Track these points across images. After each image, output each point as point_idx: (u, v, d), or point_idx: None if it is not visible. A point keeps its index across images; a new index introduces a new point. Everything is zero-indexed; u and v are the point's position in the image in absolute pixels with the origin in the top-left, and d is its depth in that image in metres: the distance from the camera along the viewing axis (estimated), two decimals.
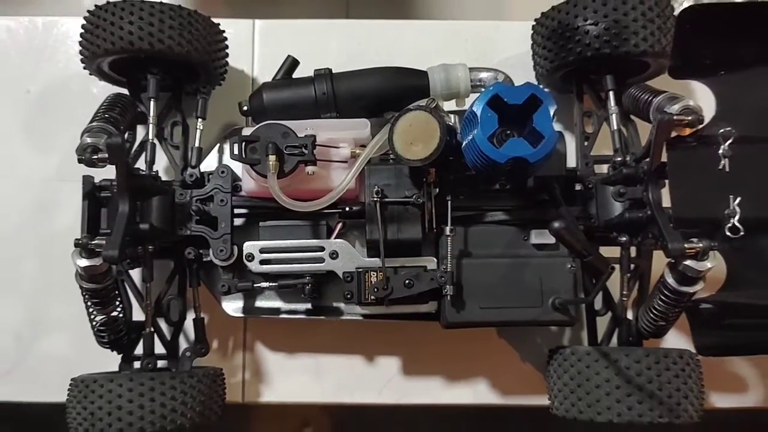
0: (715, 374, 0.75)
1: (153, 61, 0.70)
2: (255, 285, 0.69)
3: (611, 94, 0.71)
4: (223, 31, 0.76)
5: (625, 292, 0.69)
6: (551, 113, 0.60)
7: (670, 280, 0.62)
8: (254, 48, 0.84)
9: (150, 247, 0.69)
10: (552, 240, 0.67)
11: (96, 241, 0.62)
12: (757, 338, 0.63)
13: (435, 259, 0.67)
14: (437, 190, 0.68)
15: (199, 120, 0.73)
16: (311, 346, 0.78)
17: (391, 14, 1.37)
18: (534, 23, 0.75)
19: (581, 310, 0.72)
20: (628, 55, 0.69)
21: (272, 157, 0.64)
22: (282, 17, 0.85)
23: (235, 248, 0.69)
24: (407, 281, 0.66)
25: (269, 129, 0.67)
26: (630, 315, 0.71)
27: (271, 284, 0.69)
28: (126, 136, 0.71)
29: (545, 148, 0.60)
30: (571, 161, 0.73)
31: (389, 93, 0.72)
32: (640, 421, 0.63)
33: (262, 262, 0.69)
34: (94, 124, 0.66)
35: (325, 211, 0.68)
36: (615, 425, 0.64)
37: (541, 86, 0.75)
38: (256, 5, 1.38)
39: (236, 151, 0.65)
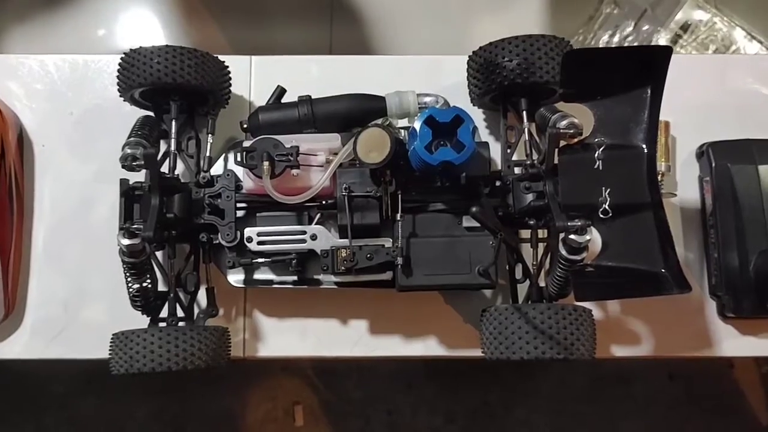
0: (616, 331, 0.96)
1: (174, 91, 0.86)
2: (253, 261, 0.86)
3: (524, 113, 0.90)
4: (228, 67, 0.98)
5: (534, 263, 0.91)
6: (471, 129, 0.82)
7: (563, 251, 0.84)
8: (251, 79, 0.98)
9: (173, 232, 0.90)
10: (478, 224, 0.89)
11: (135, 226, 0.83)
12: (618, 287, 0.84)
13: (390, 240, 0.86)
14: (392, 187, 0.89)
15: (210, 135, 0.89)
16: (298, 311, 0.92)
17: (366, 50, 1.60)
18: (468, 59, 0.98)
19: (503, 276, 0.93)
20: (535, 84, 0.90)
21: (266, 163, 0.84)
22: (275, 53, 1.06)
23: (238, 233, 0.83)
24: (369, 255, 0.86)
25: (263, 141, 0.88)
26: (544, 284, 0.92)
27: (265, 260, 0.88)
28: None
29: (466, 154, 0.81)
30: (499, 165, 0.96)
31: (356, 114, 0.93)
32: (543, 357, 0.84)
33: (259, 243, 0.84)
34: (131, 139, 0.87)
35: (307, 204, 0.82)
36: (526, 361, 0.85)
37: (470, 107, 0.97)
38: (254, 44, 1.59)
39: (238, 159, 0.87)
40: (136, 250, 0.82)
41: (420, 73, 1.04)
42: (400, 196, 0.87)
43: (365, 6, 1.72)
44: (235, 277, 0.88)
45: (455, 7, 1.69)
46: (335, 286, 0.86)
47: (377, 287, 0.84)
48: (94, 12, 1.72)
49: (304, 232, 0.84)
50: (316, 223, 0.85)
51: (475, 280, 0.87)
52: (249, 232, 0.84)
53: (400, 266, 0.81)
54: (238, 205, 0.85)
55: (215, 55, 0.93)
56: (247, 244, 0.84)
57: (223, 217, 0.85)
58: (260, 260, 0.85)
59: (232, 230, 0.84)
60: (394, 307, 0.91)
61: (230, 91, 0.91)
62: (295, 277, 0.87)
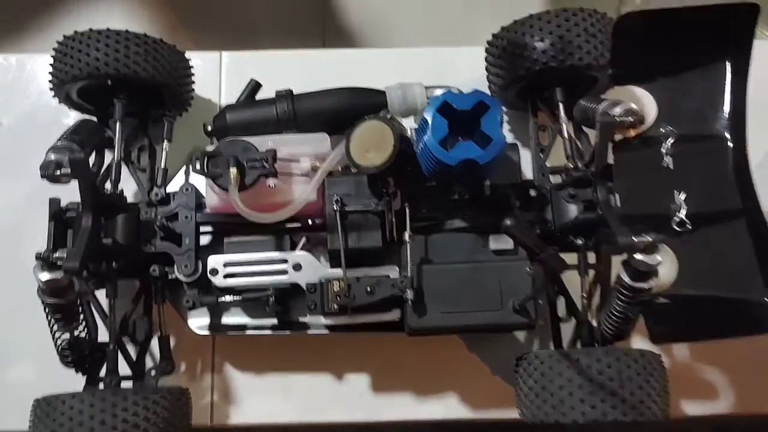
0: (685, 382, 0.75)
1: (119, 86, 0.72)
2: (219, 299, 0.70)
3: (561, 105, 0.74)
4: (188, 59, 0.79)
5: (584, 294, 0.70)
6: (498, 118, 0.63)
7: (625, 277, 0.63)
8: (221, 78, 0.87)
9: (114, 263, 0.69)
10: (510, 245, 0.69)
11: (57, 254, 0.62)
12: (704, 324, 0.64)
13: (397, 268, 0.68)
14: (397, 200, 0.69)
15: (165, 142, 0.75)
16: (279, 364, 0.77)
17: (363, 44, 1.41)
18: (487, 45, 0.79)
19: (544, 312, 0.73)
20: (573, 68, 0.72)
21: (233, 170, 0.66)
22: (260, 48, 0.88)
23: (200, 264, 0.69)
24: (369, 288, 0.67)
25: (231, 145, 0.69)
26: (595, 323, 0.71)
27: (235, 298, 0.70)
28: (93, 159, 0.73)
29: (493, 150, 0.62)
30: (529, 174, 0.77)
31: (348, 111, 0.74)
32: (604, 419, 0.62)
33: (227, 276, 0.69)
34: (59, 143, 0.67)
35: (289, 225, 0.71)
36: (582, 426, 0.64)
37: None
38: (235, 39, 1.42)
39: (198, 166, 0.67)
40: (59, 287, 0.62)
41: (425, 69, 0.87)
42: (408, 211, 0.67)
43: (358, 26, 1.55)
44: (198, 322, 0.73)
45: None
46: (326, 331, 0.71)
47: (381, 331, 0.69)
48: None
49: (285, 261, 0.69)
50: (300, 249, 0.70)
51: (509, 319, 0.67)
52: (214, 262, 0.69)
53: (410, 302, 0.67)
54: (201, 228, 0.71)
55: (173, 45, 0.74)
56: (212, 278, 0.69)
57: (180, 244, 0.70)
58: (229, 298, 0.70)
59: (191, 260, 0.69)
60: (404, 357, 0.77)
61: (192, 89, 0.81)
62: (274, 320, 0.71)
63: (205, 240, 0.72)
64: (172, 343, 0.74)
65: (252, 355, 0.77)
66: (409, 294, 0.66)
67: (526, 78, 0.74)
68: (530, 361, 0.67)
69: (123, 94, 0.73)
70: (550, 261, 0.62)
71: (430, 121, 0.63)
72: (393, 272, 0.68)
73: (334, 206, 0.67)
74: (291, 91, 0.76)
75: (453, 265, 0.68)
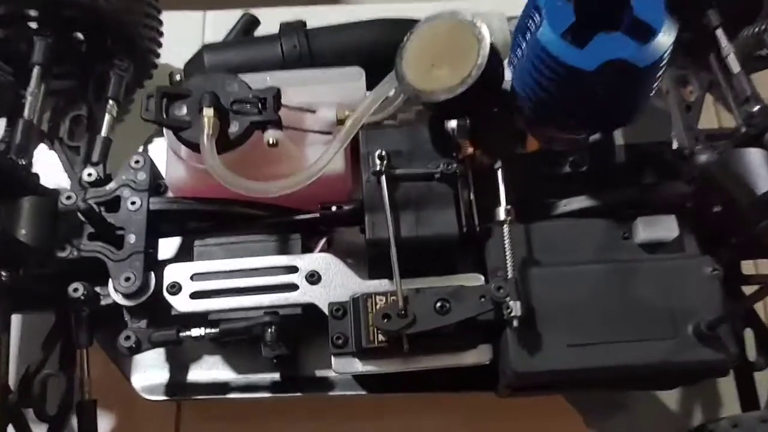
0: None
1: (44, 17, 0.53)
2: (182, 334, 0.45)
3: (720, 32, 0.51)
4: None
5: None
6: None
7: None
8: (204, 41, 0.64)
9: (4, 276, 0.42)
10: (670, 232, 0.42)
11: None
12: None
13: (481, 276, 0.43)
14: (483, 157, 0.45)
15: (111, 102, 0.54)
16: None
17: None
18: None
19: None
20: None
21: (208, 111, 0.42)
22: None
23: (152, 277, 0.46)
24: (440, 303, 0.39)
25: (207, 81, 0.47)
26: None
27: (209, 332, 0.44)
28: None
29: (659, 47, 0.36)
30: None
31: (384, 48, 0.49)
32: None
33: (195, 295, 0.45)
34: None
35: (299, 217, 0.47)
36: None
37: None
38: None
39: (150, 107, 0.41)
40: None
41: None
42: (500, 174, 0.42)
43: None
44: (148, 379, 0.49)
45: None
46: (363, 391, 0.48)
47: (457, 390, 0.46)
48: None
49: (294, 269, 0.45)
50: (319, 252, 0.47)
51: (692, 354, 0.41)
52: (174, 273, 0.46)
53: (515, 327, 0.40)
54: (158, 222, 0.48)
55: None
56: (170, 299, 0.45)
57: (120, 245, 0.47)
58: (198, 333, 0.45)
59: (137, 270, 0.46)
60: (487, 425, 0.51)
61: (156, 37, 0.59)
62: (275, 375, 0.48)
63: (164, 243, 0.50)
64: (105, 414, 0.50)
65: (237, 427, 0.54)
66: (516, 309, 0.38)
67: None
68: None
69: (48, 29, 0.53)
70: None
71: (542, 7, 0.37)
72: (475, 281, 0.43)
73: (377, 166, 0.40)
74: (303, 24, 0.51)
75: (578, 267, 0.44)
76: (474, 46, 0.41)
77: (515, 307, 0.40)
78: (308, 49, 0.52)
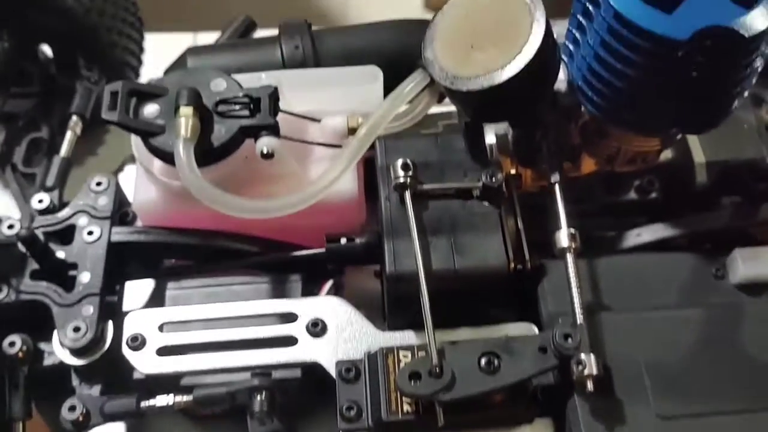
0: None
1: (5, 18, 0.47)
2: (143, 403, 0.35)
3: None
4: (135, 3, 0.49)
5: None
6: None
7: None
8: None
9: None
10: None
11: None
12: None
13: (533, 326, 0.34)
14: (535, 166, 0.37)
15: (74, 118, 0.47)
16: None
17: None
18: None
19: None
20: None
21: (186, 110, 0.32)
22: None
23: (109, 327, 0.37)
24: (485, 359, 0.29)
25: (186, 77, 0.37)
26: None
27: (178, 399, 0.34)
28: None
29: (766, 15, 0.28)
30: None
31: (401, 55, 0.41)
32: None
33: (162, 351, 0.35)
34: None
35: (299, 253, 0.39)
36: None
37: None
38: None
39: (108, 104, 0.33)
40: None
41: None
42: (558, 191, 0.34)
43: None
44: None
45: None
46: None
47: None
48: None
49: (293, 317, 0.36)
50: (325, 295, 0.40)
51: None
52: (136, 321, 0.36)
53: (589, 391, 0.30)
54: (121, 258, 0.40)
55: None
56: (129, 355, 0.35)
57: (70, 287, 0.38)
58: (163, 401, 0.35)
59: (91, 319, 0.36)
60: None
61: (135, 49, 0.53)
62: None
63: (132, 288, 0.40)
64: None
65: None
66: (590, 365, 0.28)
67: None
68: None
69: (5, 31, 0.47)
70: None
71: None
72: (530, 328, 0.34)
73: (400, 178, 0.31)
74: (308, 24, 0.43)
75: (662, 313, 0.34)
76: (525, 19, 0.32)
77: (589, 362, 0.29)
78: (313, 51, 0.44)
